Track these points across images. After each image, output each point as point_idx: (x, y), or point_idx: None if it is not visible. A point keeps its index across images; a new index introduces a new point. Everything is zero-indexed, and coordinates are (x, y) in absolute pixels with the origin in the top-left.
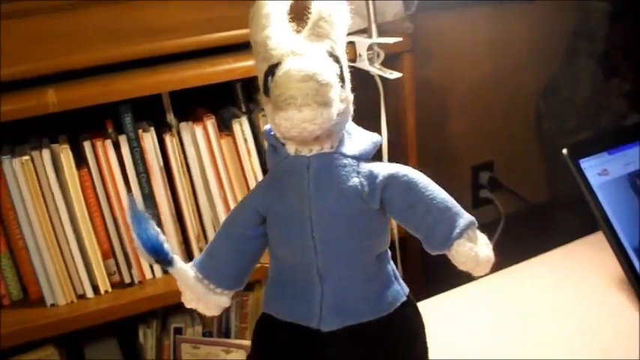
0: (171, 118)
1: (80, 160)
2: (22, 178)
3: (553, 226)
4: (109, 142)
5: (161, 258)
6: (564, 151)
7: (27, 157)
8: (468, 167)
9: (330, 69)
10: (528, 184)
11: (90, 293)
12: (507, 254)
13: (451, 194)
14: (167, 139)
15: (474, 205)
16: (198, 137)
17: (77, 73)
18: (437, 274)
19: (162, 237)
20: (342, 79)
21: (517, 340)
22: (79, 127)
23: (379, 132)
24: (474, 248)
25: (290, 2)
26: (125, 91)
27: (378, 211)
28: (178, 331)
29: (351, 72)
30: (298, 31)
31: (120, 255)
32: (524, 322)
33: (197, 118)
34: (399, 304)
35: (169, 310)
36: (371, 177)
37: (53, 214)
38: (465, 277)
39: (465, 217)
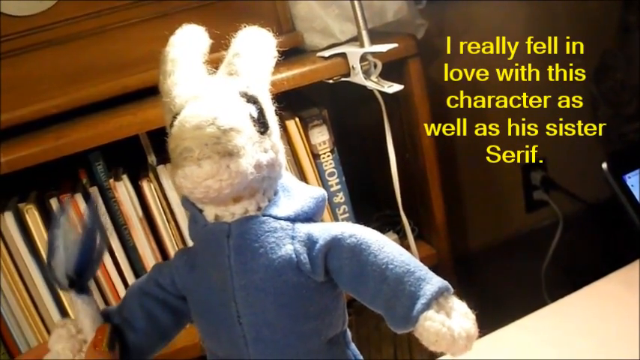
0: (152, 159)
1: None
2: None
3: (620, 225)
4: (79, 197)
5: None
6: (604, 165)
7: None
8: (517, 167)
9: (238, 111)
10: (585, 181)
11: None
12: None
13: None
14: (144, 185)
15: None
16: None
17: (42, 124)
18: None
19: None
20: (262, 123)
21: None
22: (57, 179)
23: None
24: (446, 322)
25: (206, 43)
26: (82, 140)
27: (323, 285)
28: None
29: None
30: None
31: None
32: None
33: None
34: None
35: None
36: (309, 242)
37: (28, 280)
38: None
39: (434, 283)
